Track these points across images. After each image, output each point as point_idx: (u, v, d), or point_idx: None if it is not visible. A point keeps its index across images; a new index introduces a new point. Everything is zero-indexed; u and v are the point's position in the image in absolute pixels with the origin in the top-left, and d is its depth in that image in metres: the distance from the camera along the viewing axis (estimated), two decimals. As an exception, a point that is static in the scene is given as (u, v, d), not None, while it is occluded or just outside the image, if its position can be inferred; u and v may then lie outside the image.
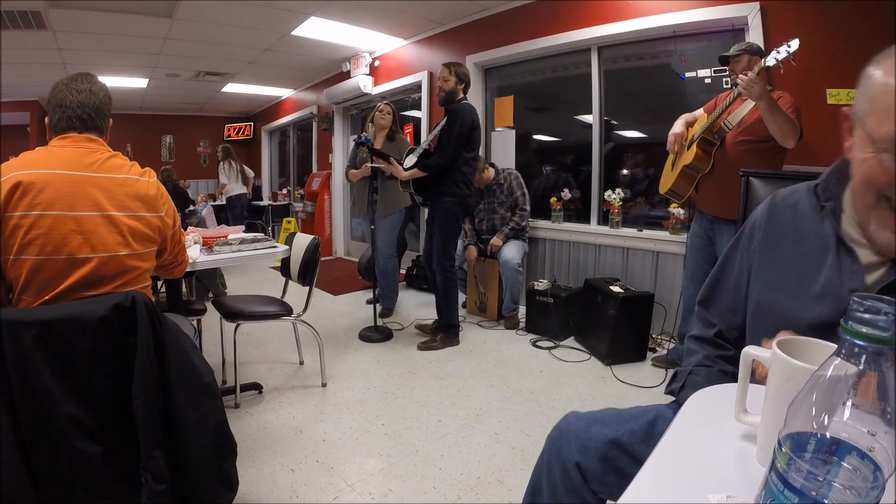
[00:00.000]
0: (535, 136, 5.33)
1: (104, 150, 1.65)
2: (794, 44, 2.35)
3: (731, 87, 2.83)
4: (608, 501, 1.10)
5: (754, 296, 1.10)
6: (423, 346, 3.78)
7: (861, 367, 0.46)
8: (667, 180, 3.12)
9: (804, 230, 1.04)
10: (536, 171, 5.22)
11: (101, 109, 1.69)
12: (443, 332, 3.84)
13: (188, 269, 2.32)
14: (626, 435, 1.09)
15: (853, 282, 0.94)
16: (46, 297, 1.48)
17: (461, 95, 3.65)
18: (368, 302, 4.81)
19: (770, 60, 2.43)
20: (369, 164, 3.95)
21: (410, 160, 3.81)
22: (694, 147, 2.90)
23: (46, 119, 1.67)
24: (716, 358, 1.13)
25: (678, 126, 3.06)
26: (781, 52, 2.39)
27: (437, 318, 3.95)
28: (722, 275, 1.20)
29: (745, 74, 2.48)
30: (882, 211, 0.89)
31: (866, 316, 0.47)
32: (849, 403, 0.46)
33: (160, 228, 1.72)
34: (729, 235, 2.83)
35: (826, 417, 0.47)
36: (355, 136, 4.01)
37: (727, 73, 2.93)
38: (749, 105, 2.75)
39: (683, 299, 3.24)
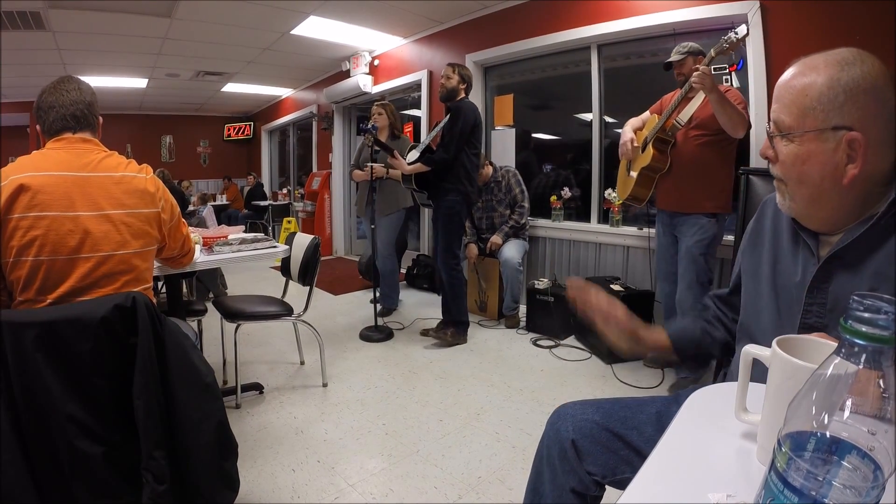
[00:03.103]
0: (534, 135, 5.32)
1: (99, 150, 1.67)
2: (741, 30, 2.43)
3: (679, 88, 2.90)
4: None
5: (745, 289, 1.19)
6: (435, 337, 3.81)
7: (861, 366, 0.46)
8: (624, 188, 3.18)
9: (780, 228, 1.12)
10: (535, 169, 5.21)
11: (91, 105, 1.70)
12: (453, 328, 3.85)
13: (189, 270, 2.33)
14: (618, 422, 1.14)
15: (810, 276, 1.02)
16: (48, 300, 1.49)
17: (462, 95, 3.66)
18: (372, 301, 4.81)
19: (718, 49, 2.52)
20: (371, 165, 3.94)
21: (412, 156, 3.81)
22: (650, 148, 2.95)
23: (38, 126, 1.67)
24: (693, 316, 1.33)
25: (627, 132, 3.11)
26: (729, 40, 2.47)
27: (440, 318, 3.95)
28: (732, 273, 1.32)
29: (696, 69, 2.55)
30: None
31: (866, 315, 0.47)
32: (849, 402, 0.46)
33: (158, 224, 1.74)
34: (689, 226, 2.91)
35: (826, 416, 0.47)
36: (362, 124, 4.01)
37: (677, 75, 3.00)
38: (698, 101, 2.81)
39: (662, 301, 3.23)
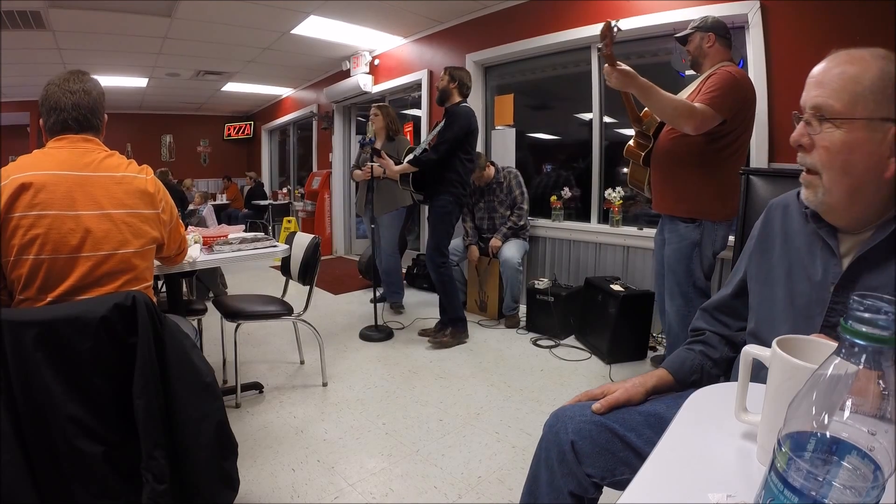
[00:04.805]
0: (531, 135, 5.33)
1: (101, 150, 1.67)
2: (618, 23, 2.33)
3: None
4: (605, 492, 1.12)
5: (752, 294, 1.18)
6: (435, 344, 3.78)
7: (861, 367, 0.46)
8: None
9: (792, 231, 1.11)
10: (531, 169, 5.22)
11: (95, 109, 1.70)
12: (451, 327, 3.85)
13: (188, 269, 2.34)
14: (617, 422, 1.12)
15: (833, 275, 1.01)
16: (49, 298, 1.49)
17: (457, 97, 3.68)
18: (372, 301, 4.82)
19: (600, 46, 2.37)
20: (370, 164, 3.97)
21: (408, 159, 3.81)
22: (632, 138, 2.86)
23: (41, 121, 1.67)
24: (685, 342, 1.30)
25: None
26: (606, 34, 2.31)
27: (438, 318, 3.95)
28: (729, 281, 1.29)
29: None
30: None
31: (866, 315, 0.47)
32: (849, 403, 0.46)
33: (158, 225, 1.75)
34: (669, 231, 2.73)
35: (826, 417, 0.47)
36: (360, 138, 4.10)
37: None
38: (688, 90, 2.63)
39: (656, 302, 3.14)
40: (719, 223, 2.61)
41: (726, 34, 2.64)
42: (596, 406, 1.12)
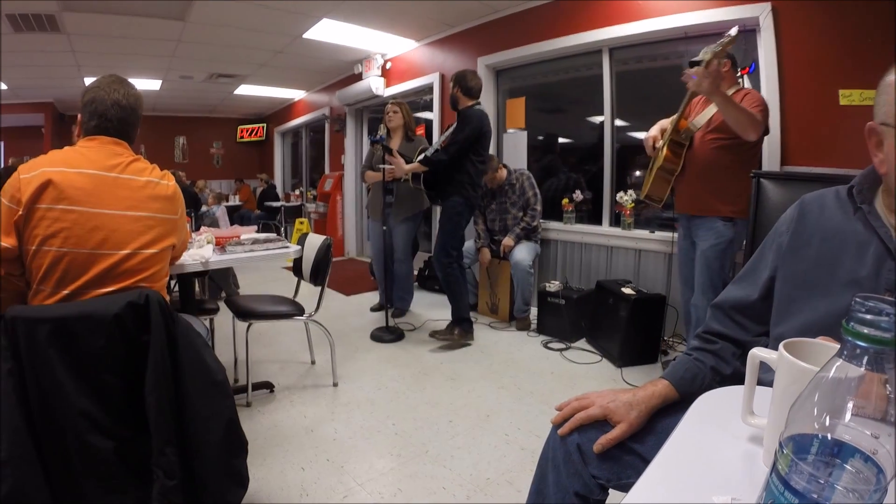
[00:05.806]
0: (540, 137, 5.31)
1: (128, 154, 1.73)
2: (733, 31, 2.44)
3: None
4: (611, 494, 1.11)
5: (782, 296, 1.11)
6: (440, 337, 3.80)
7: (863, 369, 0.46)
8: (646, 185, 3.14)
9: (831, 228, 1.05)
10: (562, 174, 5.12)
11: (136, 125, 1.80)
12: (458, 327, 3.85)
13: (201, 269, 2.37)
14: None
15: (888, 280, 0.94)
16: (65, 292, 1.52)
17: (466, 99, 3.67)
18: (373, 309, 4.83)
19: (707, 54, 2.52)
20: (383, 166, 3.95)
21: (419, 159, 3.82)
22: (664, 149, 2.97)
23: (79, 115, 1.76)
24: (695, 349, 1.20)
25: (653, 129, 3.12)
26: (721, 43, 2.47)
27: (450, 319, 3.95)
28: (742, 277, 1.22)
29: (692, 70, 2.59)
30: None
31: (868, 317, 0.46)
32: (851, 405, 0.46)
33: (176, 229, 1.81)
34: (705, 230, 2.91)
35: (828, 419, 0.46)
36: (371, 135, 4.03)
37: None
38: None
39: (682, 305, 3.21)
40: (744, 221, 2.82)
41: (735, 61, 2.93)
42: (596, 447, 1.07)
